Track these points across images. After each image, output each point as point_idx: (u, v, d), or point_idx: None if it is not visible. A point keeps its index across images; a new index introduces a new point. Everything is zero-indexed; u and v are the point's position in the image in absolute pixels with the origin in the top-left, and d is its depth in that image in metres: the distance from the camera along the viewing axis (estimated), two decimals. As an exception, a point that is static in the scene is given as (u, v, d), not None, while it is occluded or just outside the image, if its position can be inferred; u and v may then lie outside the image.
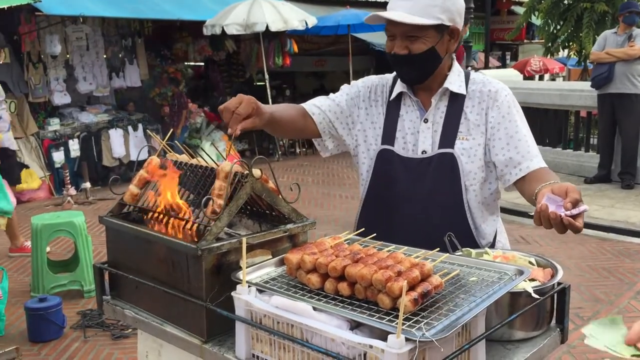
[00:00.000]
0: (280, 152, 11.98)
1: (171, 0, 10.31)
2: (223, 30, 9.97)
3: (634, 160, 7.82)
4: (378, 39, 13.28)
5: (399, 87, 2.09)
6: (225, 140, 11.21)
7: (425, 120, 2.03)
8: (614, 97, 7.62)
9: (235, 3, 10.40)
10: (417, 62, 1.96)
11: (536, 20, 15.07)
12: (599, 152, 8.22)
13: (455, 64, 2.06)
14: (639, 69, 7.49)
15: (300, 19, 10.49)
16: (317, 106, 2.18)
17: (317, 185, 9.55)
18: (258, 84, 12.83)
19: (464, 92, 2.02)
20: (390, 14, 1.89)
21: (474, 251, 1.79)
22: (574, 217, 1.48)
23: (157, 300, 1.82)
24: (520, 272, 1.52)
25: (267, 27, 10.03)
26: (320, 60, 14.62)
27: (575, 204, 1.50)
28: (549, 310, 1.65)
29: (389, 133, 2.08)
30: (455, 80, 2.03)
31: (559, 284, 1.64)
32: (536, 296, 1.53)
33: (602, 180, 7.98)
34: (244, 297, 1.50)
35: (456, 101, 2.02)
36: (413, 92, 2.07)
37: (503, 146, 1.95)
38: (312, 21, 10.70)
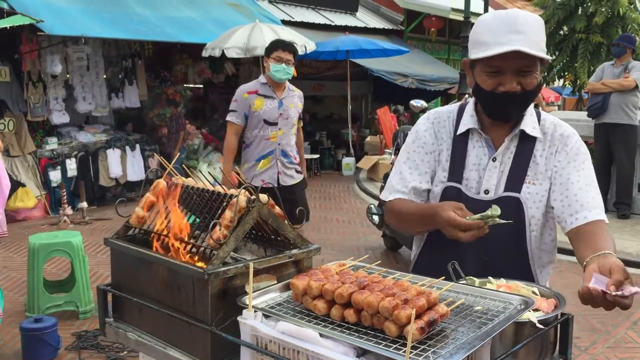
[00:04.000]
0: (277, 175, 11.97)
1: (173, 22, 10.41)
2: (223, 53, 10.06)
3: (629, 190, 7.88)
4: (376, 64, 13.42)
5: (469, 122, 2.00)
6: (222, 161, 11.23)
7: (494, 159, 1.96)
8: (609, 127, 7.71)
9: (235, 27, 10.51)
10: (527, 99, 1.89)
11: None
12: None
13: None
14: (633, 100, 7.59)
15: (299, 43, 10.59)
16: (414, 189, 2.05)
17: (314, 209, 9.55)
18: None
19: (538, 135, 1.95)
20: (518, 45, 1.77)
21: (477, 280, 1.80)
22: (623, 296, 1.47)
23: (160, 324, 1.82)
24: (525, 302, 1.54)
25: (266, 51, 10.12)
26: (318, 85, 14.73)
27: (619, 285, 1.48)
28: (552, 340, 1.66)
29: (456, 170, 1.99)
30: (529, 122, 1.96)
31: (562, 314, 1.65)
32: (540, 326, 1.54)
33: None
34: (250, 322, 1.51)
35: (526, 143, 1.95)
36: (484, 129, 2.00)
37: (562, 191, 1.89)
38: (311, 46, 10.81)
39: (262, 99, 4.72)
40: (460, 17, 13.97)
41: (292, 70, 4.74)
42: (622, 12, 12.65)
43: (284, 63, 4.67)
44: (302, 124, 5.15)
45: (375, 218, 6.81)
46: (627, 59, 7.69)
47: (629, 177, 7.82)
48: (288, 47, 4.75)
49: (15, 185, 8.46)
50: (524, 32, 1.80)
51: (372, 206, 7.01)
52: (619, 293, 1.46)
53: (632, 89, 7.51)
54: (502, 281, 1.79)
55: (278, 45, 4.75)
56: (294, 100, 4.91)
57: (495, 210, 1.76)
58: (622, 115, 7.59)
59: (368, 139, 13.87)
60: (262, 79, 4.79)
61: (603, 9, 12.77)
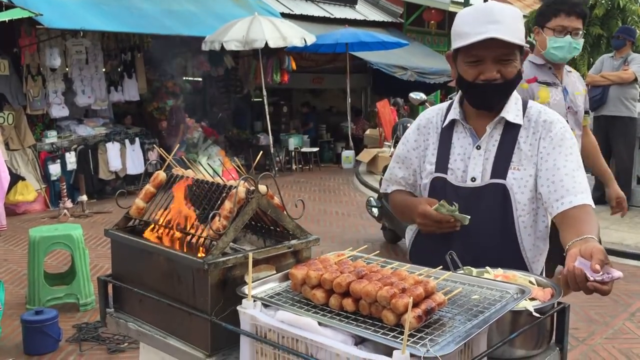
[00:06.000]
0: (276, 168, 12.00)
1: (172, 16, 10.40)
2: (222, 46, 10.05)
3: (627, 182, 7.88)
4: (375, 57, 13.41)
5: (452, 114, 2.07)
6: (222, 155, 11.25)
7: (478, 147, 2.01)
8: (608, 120, 7.72)
9: (234, 20, 10.50)
10: (508, 87, 1.93)
11: (532, 41, 15.24)
12: (593, 173, 8.28)
13: (514, 92, 2.03)
14: (632, 93, 7.60)
15: (299, 36, 10.60)
16: (403, 179, 2.22)
17: (313, 201, 9.58)
18: (255, 99, 12.90)
19: (520, 122, 1.99)
20: (494, 33, 1.82)
21: (475, 270, 1.82)
22: (602, 282, 1.50)
23: (161, 314, 1.84)
24: (522, 291, 1.55)
25: (266, 43, 10.12)
26: (318, 78, 14.72)
27: (602, 265, 1.51)
28: (549, 329, 1.67)
29: (442, 161, 2.06)
30: (512, 109, 1.99)
31: (559, 303, 1.66)
32: (537, 315, 1.56)
33: (597, 202, 7.87)
34: (250, 312, 1.52)
35: (511, 130, 1.99)
36: (466, 119, 2.05)
37: (549, 177, 1.92)
38: (310, 39, 10.80)
39: (545, 88, 3.22)
40: (459, 10, 13.93)
41: (580, 45, 3.15)
42: (622, 5, 12.63)
43: (570, 34, 3.10)
44: (588, 121, 3.59)
45: (375, 211, 6.82)
46: (626, 51, 7.69)
47: (628, 170, 7.84)
48: (575, 7, 3.08)
49: (15, 178, 8.48)
50: (500, 21, 1.86)
51: (371, 199, 7.03)
52: (599, 278, 1.50)
53: (631, 82, 7.52)
54: (499, 271, 1.80)
55: (560, 9, 3.09)
56: (577, 85, 3.39)
57: (443, 205, 1.91)
58: (621, 108, 7.59)
59: (368, 131, 13.89)
60: (535, 58, 3.29)
61: (603, 1, 12.76)
